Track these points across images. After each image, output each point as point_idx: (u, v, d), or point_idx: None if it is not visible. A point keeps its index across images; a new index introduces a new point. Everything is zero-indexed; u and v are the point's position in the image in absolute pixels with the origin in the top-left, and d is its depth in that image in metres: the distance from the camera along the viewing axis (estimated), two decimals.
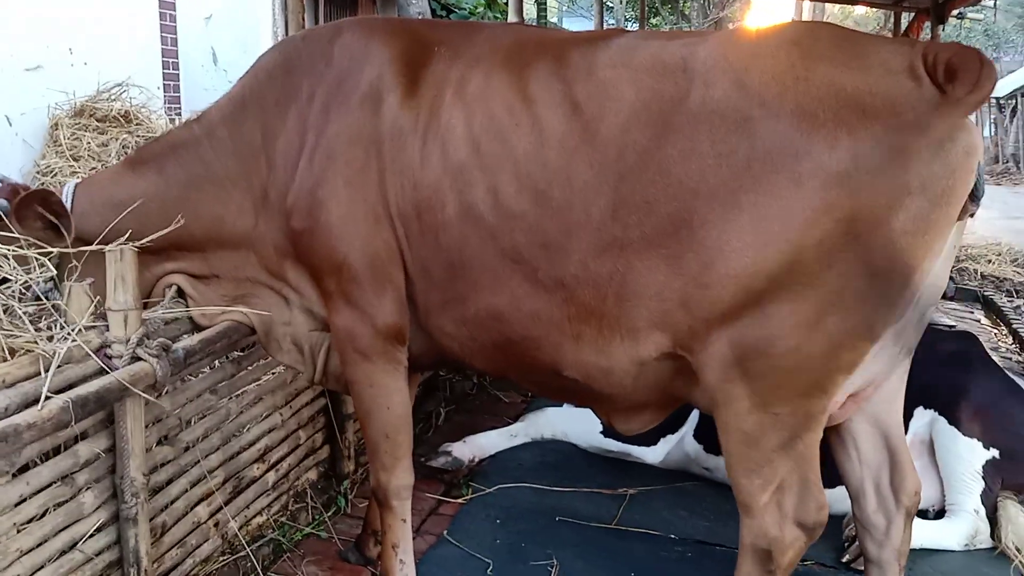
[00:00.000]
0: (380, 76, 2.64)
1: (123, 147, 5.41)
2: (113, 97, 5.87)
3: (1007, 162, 27.81)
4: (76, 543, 2.56)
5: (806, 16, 13.54)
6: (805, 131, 2.12)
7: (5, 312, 2.55)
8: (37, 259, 2.64)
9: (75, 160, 5.30)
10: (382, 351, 2.71)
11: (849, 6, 12.75)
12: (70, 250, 2.63)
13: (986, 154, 29.42)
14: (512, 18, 7.70)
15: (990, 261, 9.70)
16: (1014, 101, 28.19)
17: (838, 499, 3.60)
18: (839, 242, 2.12)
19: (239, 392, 3.29)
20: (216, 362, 3.20)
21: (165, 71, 7.42)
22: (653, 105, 2.30)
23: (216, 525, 3.16)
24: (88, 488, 2.59)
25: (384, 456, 2.84)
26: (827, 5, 14.09)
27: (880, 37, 2.47)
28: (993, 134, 28.75)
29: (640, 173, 2.28)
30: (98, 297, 2.57)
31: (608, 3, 23.80)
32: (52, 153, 5.40)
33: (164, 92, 7.29)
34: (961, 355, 3.79)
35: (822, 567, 3.38)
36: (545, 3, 9.26)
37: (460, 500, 3.84)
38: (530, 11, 12.33)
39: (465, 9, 12.91)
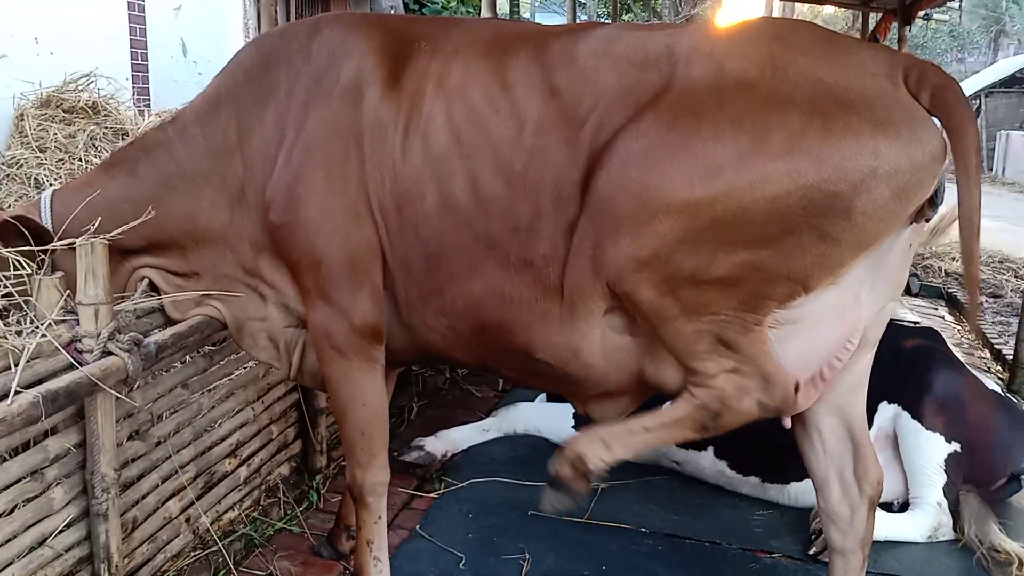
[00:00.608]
0: (360, 70, 2.64)
1: (91, 139, 5.34)
2: (80, 88, 5.79)
3: None
4: (46, 539, 2.54)
5: (776, 15, 13.66)
6: (779, 109, 2.16)
7: None
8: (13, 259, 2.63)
9: (41, 151, 5.22)
10: (359, 348, 2.71)
11: (818, 6, 12.87)
12: (35, 248, 2.62)
13: (951, 153, 29.98)
14: (485, 13, 7.70)
15: (954, 259, 9.84)
16: (978, 101, 28.60)
17: (805, 492, 3.68)
18: (795, 206, 2.15)
19: (211, 387, 3.28)
20: (188, 357, 3.19)
21: (134, 62, 7.36)
22: (636, 92, 2.34)
23: (187, 520, 3.15)
24: (58, 484, 2.57)
25: (360, 453, 2.84)
26: (796, 4, 14.22)
27: (860, 41, 2.53)
28: None
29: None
30: (68, 291, 2.55)
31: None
32: (18, 144, 5.31)
33: (133, 83, 7.22)
34: (925, 351, 3.85)
35: (789, 559, 3.44)
36: None
37: (432, 494, 3.85)
38: (503, 6, 12.33)
39: (438, 4, 12.87)
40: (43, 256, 2.68)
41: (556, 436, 4.28)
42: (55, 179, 4.93)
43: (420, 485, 3.95)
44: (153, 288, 2.96)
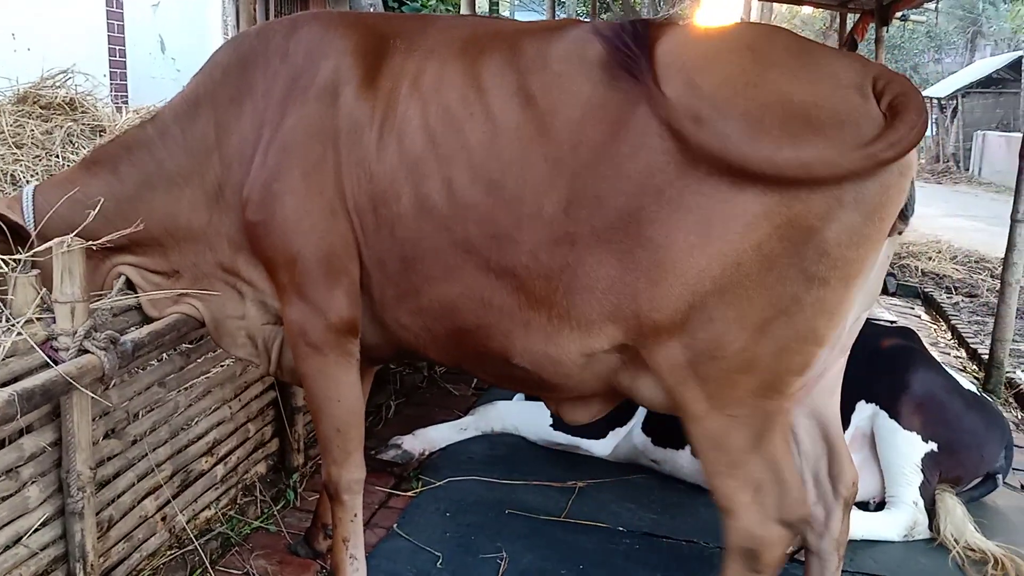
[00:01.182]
0: (336, 69, 2.63)
1: (68, 135, 5.28)
2: (58, 84, 5.72)
3: (947, 161, 28.49)
4: (20, 538, 2.52)
5: (755, 15, 13.74)
6: (751, 137, 2.14)
7: None
8: None
9: (18, 148, 5.16)
10: (334, 344, 2.70)
11: (796, 6, 12.95)
12: (14, 251, 2.60)
13: (927, 153, 30.08)
14: (464, 11, 7.70)
15: (931, 258, 9.94)
16: (954, 102, 28.88)
17: None
18: (777, 248, 2.15)
19: (188, 385, 3.26)
20: (165, 355, 3.17)
21: (112, 58, 7.31)
22: (609, 101, 2.31)
23: (164, 519, 3.13)
24: (33, 482, 2.56)
25: (335, 450, 2.83)
26: (775, 5, 14.30)
27: (835, 50, 2.51)
28: (934, 134, 29.40)
29: (593, 168, 2.30)
30: (44, 290, 2.54)
31: None
32: None
33: (111, 80, 7.17)
34: (901, 350, 3.88)
35: None
36: None
37: (410, 493, 3.84)
38: (482, 4, 12.32)
39: (417, 2, 12.85)
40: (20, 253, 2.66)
41: (534, 434, 4.29)
42: (32, 175, 4.88)
43: (397, 484, 3.94)
44: (129, 285, 2.94)
